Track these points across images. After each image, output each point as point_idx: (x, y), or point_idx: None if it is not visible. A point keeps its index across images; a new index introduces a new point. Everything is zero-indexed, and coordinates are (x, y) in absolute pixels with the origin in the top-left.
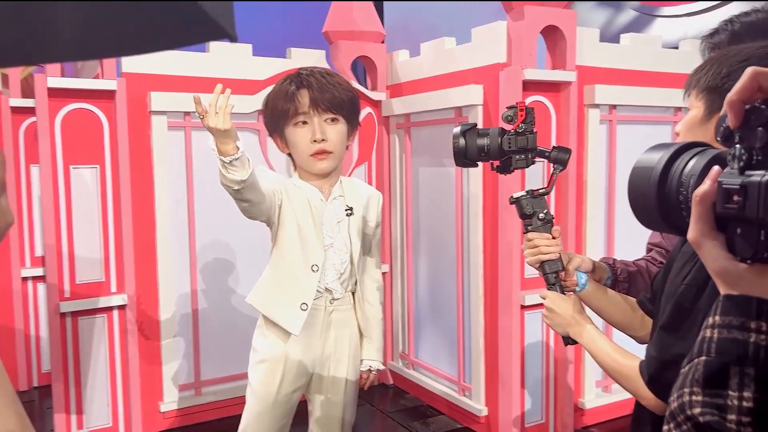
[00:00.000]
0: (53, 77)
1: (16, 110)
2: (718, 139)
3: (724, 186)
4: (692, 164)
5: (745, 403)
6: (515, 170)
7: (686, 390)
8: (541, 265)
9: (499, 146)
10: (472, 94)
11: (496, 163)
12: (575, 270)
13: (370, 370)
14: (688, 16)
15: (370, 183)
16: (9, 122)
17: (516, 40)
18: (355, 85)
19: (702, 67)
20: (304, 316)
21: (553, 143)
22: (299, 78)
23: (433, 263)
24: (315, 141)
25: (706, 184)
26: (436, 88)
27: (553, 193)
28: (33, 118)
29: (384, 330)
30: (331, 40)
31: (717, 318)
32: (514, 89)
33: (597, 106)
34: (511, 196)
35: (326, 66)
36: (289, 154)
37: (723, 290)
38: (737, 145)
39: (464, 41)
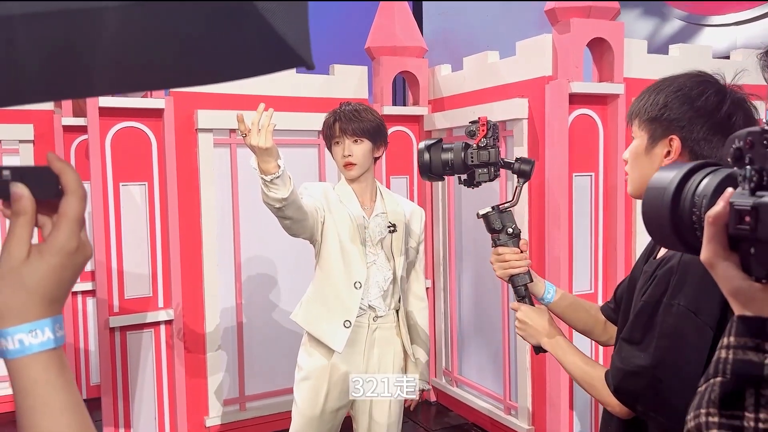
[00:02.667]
0: (104, 97)
1: (67, 129)
2: (729, 159)
3: (735, 207)
4: (705, 184)
5: (761, 425)
6: (480, 183)
7: (702, 411)
8: (511, 279)
9: (463, 160)
10: (516, 108)
11: (463, 176)
12: (543, 282)
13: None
14: (737, 24)
15: (411, 198)
16: (61, 141)
17: (562, 53)
18: (388, 110)
19: (641, 96)
20: (347, 333)
21: (601, 157)
22: (336, 113)
23: (476, 279)
24: (344, 156)
25: (719, 206)
26: (479, 103)
27: (601, 208)
28: (84, 137)
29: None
30: (373, 56)
31: (731, 339)
32: (560, 102)
33: None
34: (478, 212)
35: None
36: None
37: (737, 310)
38: (747, 167)
39: (505, 55)
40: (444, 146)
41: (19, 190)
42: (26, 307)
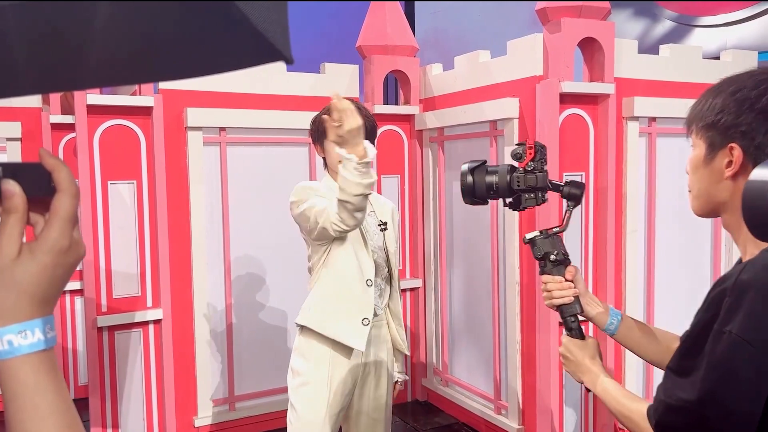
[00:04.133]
0: (92, 94)
1: (55, 126)
2: None
3: None
4: None
5: None
6: (526, 208)
7: None
8: (558, 309)
9: (508, 184)
10: (507, 108)
11: (509, 199)
12: (607, 310)
13: (396, 382)
14: (727, 25)
15: (402, 196)
16: (49, 138)
17: (553, 53)
18: (379, 109)
19: (699, 100)
20: (366, 331)
21: (592, 157)
22: None
23: (467, 278)
24: None
25: None
26: (471, 102)
27: (592, 207)
28: (72, 134)
29: (418, 345)
30: (364, 54)
31: None
32: (551, 102)
33: (636, 118)
34: (525, 237)
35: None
36: (324, 158)
37: None
38: None
39: (498, 54)
40: (489, 168)
41: (11, 187)
42: (16, 307)
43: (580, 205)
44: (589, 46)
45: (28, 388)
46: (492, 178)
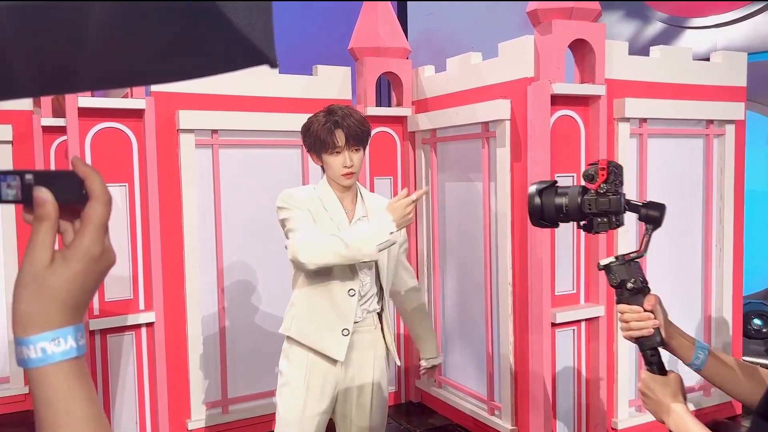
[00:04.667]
0: (83, 97)
1: (47, 129)
2: None
3: None
4: None
5: None
6: (599, 232)
7: None
8: (636, 341)
9: (579, 207)
10: (499, 109)
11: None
12: (692, 343)
13: (428, 367)
14: (717, 27)
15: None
16: (41, 141)
17: (544, 54)
18: (372, 111)
19: None
20: (346, 342)
21: (583, 158)
22: (336, 118)
23: (460, 280)
24: (345, 167)
25: None
26: (463, 103)
27: None
28: (63, 137)
29: (411, 347)
30: (356, 56)
31: None
32: (542, 103)
33: (627, 119)
34: (599, 263)
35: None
36: (322, 166)
37: None
38: None
39: (489, 56)
40: (558, 189)
41: (43, 194)
42: (49, 314)
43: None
44: (579, 48)
45: (61, 395)
46: (561, 200)
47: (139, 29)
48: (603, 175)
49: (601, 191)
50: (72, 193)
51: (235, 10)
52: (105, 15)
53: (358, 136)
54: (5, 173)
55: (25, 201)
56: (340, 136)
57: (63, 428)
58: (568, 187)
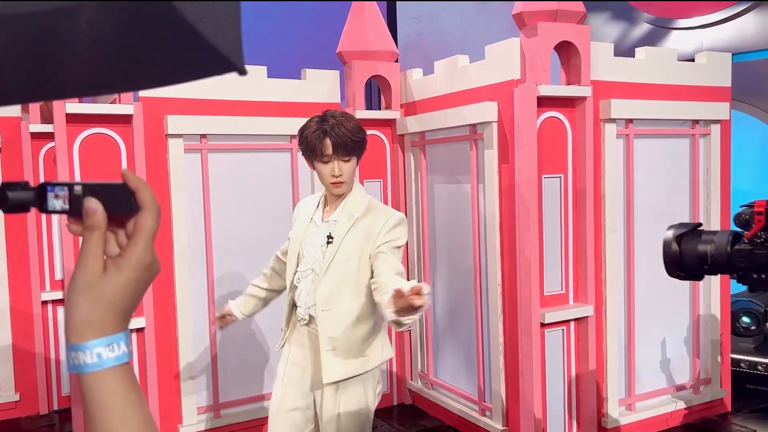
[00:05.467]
0: (71, 103)
1: (35, 136)
2: None
3: None
4: None
5: None
6: (756, 289)
7: None
8: None
9: (728, 259)
10: (486, 111)
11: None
12: None
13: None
14: (702, 28)
15: (385, 201)
16: (29, 147)
17: (530, 57)
18: (361, 114)
19: None
20: (282, 336)
21: (570, 159)
22: (326, 126)
23: (450, 282)
24: (333, 176)
25: None
26: (451, 106)
27: (571, 209)
28: (52, 143)
29: (402, 348)
30: (344, 60)
31: None
32: (528, 105)
33: (613, 120)
34: None
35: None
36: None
37: None
38: None
39: (479, 59)
40: (703, 235)
41: (93, 204)
42: (103, 320)
43: (559, 207)
44: (565, 50)
45: (117, 399)
46: (706, 248)
47: (109, 36)
48: (760, 220)
49: (758, 240)
50: (122, 204)
51: (203, 18)
52: (80, 21)
53: (348, 146)
54: (53, 184)
55: (73, 212)
56: (328, 145)
57: (118, 429)
58: (714, 232)
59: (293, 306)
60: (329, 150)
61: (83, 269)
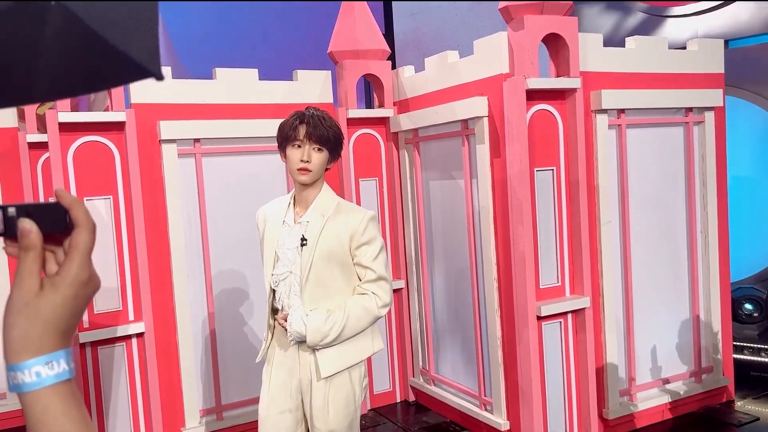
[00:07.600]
0: (63, 112)
1: (33, 145)
2: None
3: None
4: None
5: None
6: None
7: None
8: None
9: None
10: (476, 106)
11: None
12: None
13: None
14: (697, 15)
15: (381, 199)
16: (27, 157)
17: (517, 50)
18: (354, 113)
19: None
20: (264, 345)
21: (562, 151)
22: (303, 115)
23: (448, 277)
24: (302, 161)
25: None
26: (442, 102)
27: (564, 201)
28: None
29: (404, 345)
30: (336, 60)
31: None
32: (518, 99)
33: (604, 111)
34: None
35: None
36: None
37: None
38: None
39: (471, 54)
40: None
41: (27, 225)
42: (42, 339)
43: (552, 200)
44: (553, 42)
45: (57, 418)
46: None
47: (24, 42)
48: None
49: None
50: (56, 223)
51: (112, 29)
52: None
53: (322, 136)
54: None
55: (8, 233)
56: (301, 130)
57: None
58: None
59: (273, 310)
60: (302, 134)
61: (19, 289)
